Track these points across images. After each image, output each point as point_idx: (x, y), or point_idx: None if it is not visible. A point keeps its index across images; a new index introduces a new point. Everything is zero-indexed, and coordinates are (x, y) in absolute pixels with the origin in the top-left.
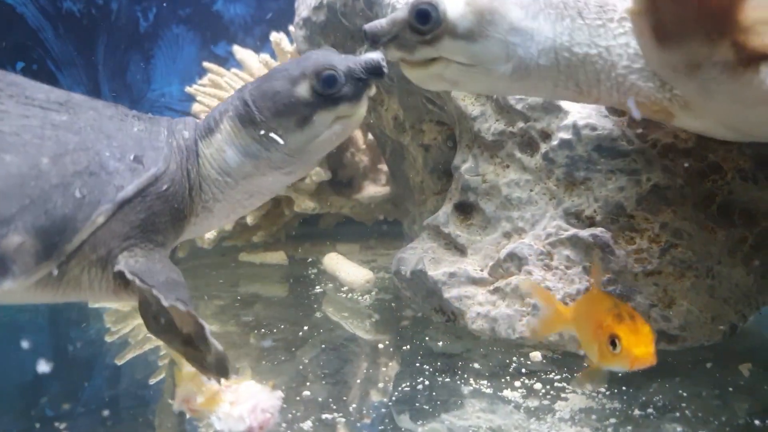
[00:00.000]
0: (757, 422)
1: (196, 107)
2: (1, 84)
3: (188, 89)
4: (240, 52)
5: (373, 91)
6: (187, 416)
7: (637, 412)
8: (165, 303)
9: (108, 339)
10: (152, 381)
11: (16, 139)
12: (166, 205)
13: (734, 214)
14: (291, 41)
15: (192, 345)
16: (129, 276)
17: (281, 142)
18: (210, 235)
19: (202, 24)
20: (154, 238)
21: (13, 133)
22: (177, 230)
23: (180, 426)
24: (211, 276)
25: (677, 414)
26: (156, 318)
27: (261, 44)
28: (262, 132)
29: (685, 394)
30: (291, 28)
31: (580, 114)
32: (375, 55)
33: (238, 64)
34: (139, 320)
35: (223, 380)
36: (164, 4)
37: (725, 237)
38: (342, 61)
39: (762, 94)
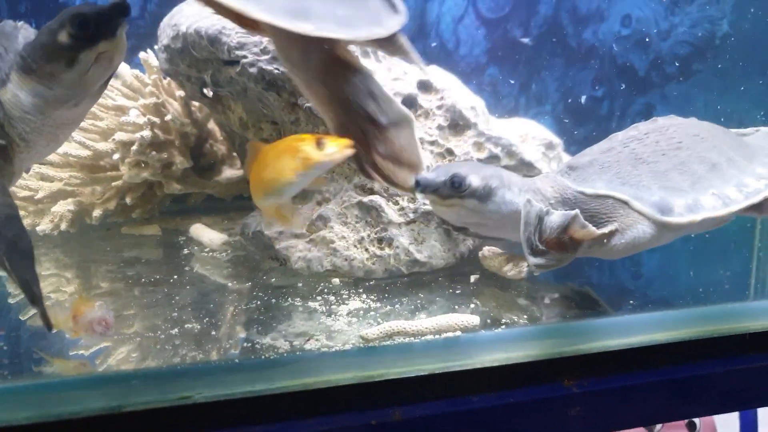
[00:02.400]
0: (457, 307)
1: None
2: None
3: None
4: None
5: (125, 28)
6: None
7: (388, 307)
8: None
9: (11, 301)
10: None
11: None
12: None
13: None
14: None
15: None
16: None
17: (58, 81)
18: (96, 213)
19: None
20: None
21: None
22: (5, 159)
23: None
24: (100, 245)
25: (413, 308)
26: None
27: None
28: (41, 76)
29: (423, 296)
30: (156, 47)
31: None
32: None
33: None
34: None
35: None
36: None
37: None
38: (92, 9)
39: None
